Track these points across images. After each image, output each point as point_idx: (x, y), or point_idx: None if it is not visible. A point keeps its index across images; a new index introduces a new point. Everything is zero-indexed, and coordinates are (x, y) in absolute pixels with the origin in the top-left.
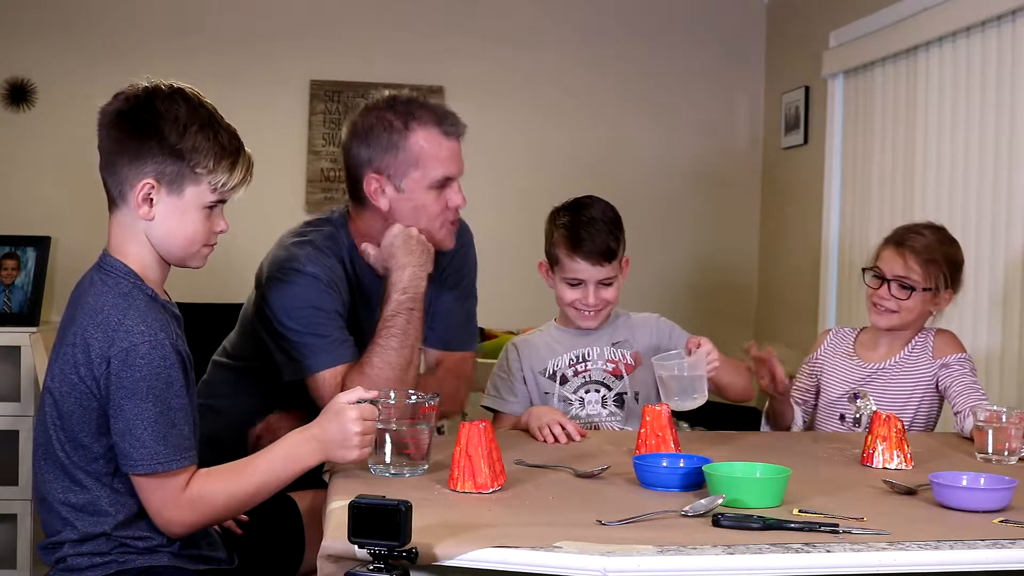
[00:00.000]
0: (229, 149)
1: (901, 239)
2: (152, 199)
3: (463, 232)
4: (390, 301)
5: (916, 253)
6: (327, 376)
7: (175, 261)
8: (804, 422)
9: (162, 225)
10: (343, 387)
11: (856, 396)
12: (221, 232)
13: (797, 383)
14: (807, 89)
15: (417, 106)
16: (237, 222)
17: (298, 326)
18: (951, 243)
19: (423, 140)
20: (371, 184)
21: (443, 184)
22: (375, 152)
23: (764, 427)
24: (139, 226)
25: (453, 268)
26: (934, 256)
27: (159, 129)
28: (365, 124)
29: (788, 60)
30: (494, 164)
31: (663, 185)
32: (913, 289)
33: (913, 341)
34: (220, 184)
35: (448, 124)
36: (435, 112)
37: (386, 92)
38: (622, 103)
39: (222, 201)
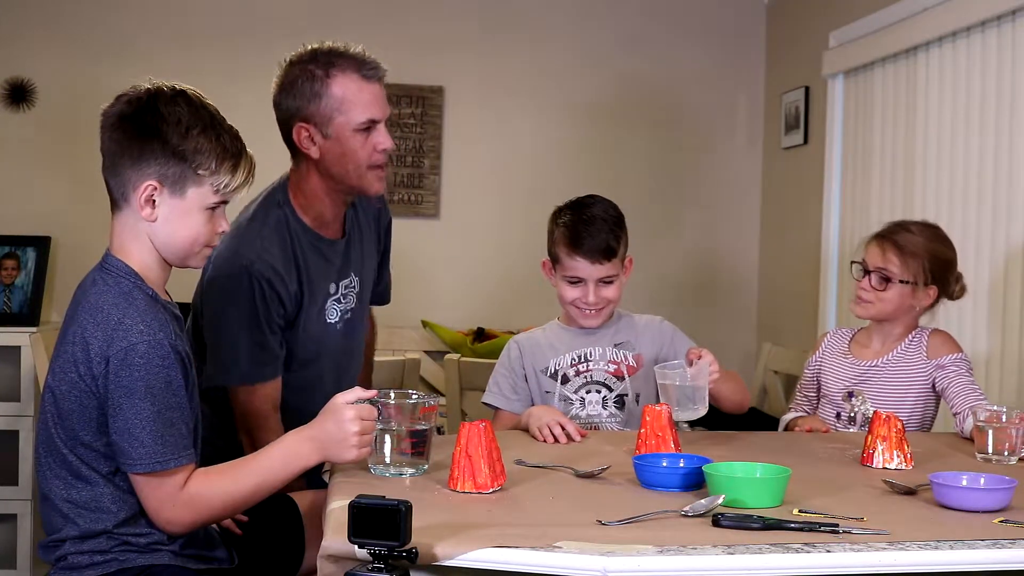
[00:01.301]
0: (231, 150)
1: (887, 233)
2: (155, 200)
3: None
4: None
5: (897, 246)
6: (242, 390)
7: (176, 261)
8: None
9: (165, 226)
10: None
11: (851, 395)
12: (222, 232)
13: (801, 389)
14: (807, 89)
15: (337, 55)
16: None
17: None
18: (939, 241)
19: (344, 85)
20: (300, 134)
21: (368, 127)
22: (301, 102)
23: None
24: (141, 227)
25: (388, 238)
26: (916, 250)
27: (161, 131)
28: (289, 77)
29: (788, 60)
30: (494, 164)
31: (663, 185)
32: (890, 280)
33: (907, 339)
34: (223, 185)
35: (367, 68)
36: (354, 58)
37: (308, 46)
38: (622, 103)
39: (224, 202)
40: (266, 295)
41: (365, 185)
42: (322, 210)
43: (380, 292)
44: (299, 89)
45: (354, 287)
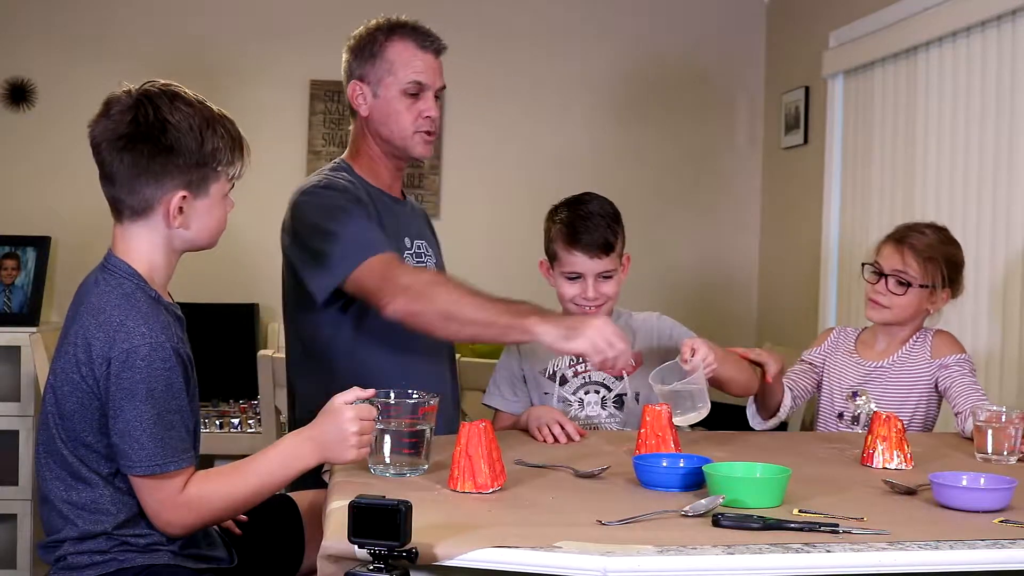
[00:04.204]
0: (235, 137)
1: (902, 236)
2: (183, 208)
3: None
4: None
5: (915, 250)
6: (374, 263)
7: (197, 249)
8: (791, 409)
9: (194, 226)
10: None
11: (855, 394)
12: (230, 209)
13: (792, 370)
14: (807, 89)
15: (400, 24)
16: (237, 222)
17: (338, 226)
18: (952, 243)
19: (399, 51)
20: (354, 91)
21: (416, 92)
22: (359, 62)
23: (751, 407)
24: (160, 232)
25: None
26: (933, 254)
27: (178, 144)
28: (357, 41)
29: (788, 60)
30: (493, 164)
31: (663, 185)
32: (909, 285)
33: (912, 340)
34: (235, 173)
35: (425, 39)
36: (415, 28)
37: (379, 18)
38: (622, 103)
39: (232, 184)
40: (349, 191)
41: (410, 147)
42: (380, 170)
43: None
44: (360, 50)
45: (430, 255)
